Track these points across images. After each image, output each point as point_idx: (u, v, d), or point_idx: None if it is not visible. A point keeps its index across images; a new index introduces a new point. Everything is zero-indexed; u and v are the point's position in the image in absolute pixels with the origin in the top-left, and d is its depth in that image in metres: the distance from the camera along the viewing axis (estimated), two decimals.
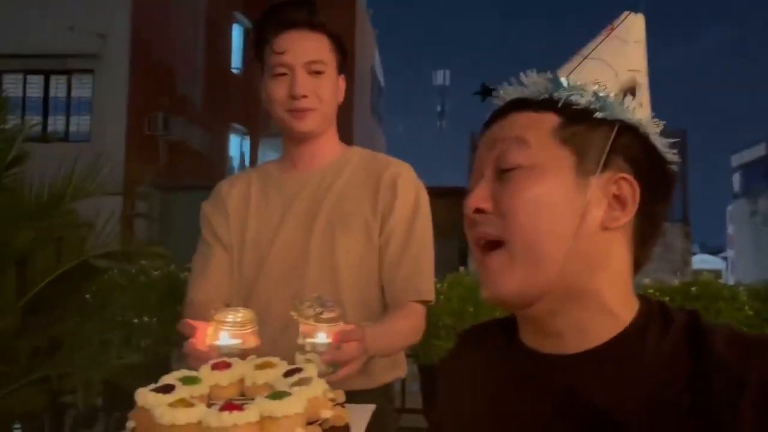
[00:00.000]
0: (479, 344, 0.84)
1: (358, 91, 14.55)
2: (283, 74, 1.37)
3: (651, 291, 3.49)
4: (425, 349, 2.50)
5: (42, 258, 2.31)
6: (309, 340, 1.06)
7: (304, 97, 1.37)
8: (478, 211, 0.72)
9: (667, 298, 3.20)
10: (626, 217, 0.70)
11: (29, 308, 2.21)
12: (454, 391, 0.84)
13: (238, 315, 1.05)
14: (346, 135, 1.49)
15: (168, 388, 0.82)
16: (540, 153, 0.71)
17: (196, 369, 0.97)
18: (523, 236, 0.70)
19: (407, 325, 1.37)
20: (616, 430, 0.66)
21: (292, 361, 1.05)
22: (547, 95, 0.73)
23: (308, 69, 1.37)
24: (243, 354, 1.01)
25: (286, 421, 0.79)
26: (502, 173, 0.72)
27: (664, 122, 0.73)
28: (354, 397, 1.06)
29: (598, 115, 0.71)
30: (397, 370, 1.46)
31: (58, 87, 11.11)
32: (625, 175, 0.70)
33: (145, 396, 0.81)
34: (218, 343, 1.03)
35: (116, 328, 2.77)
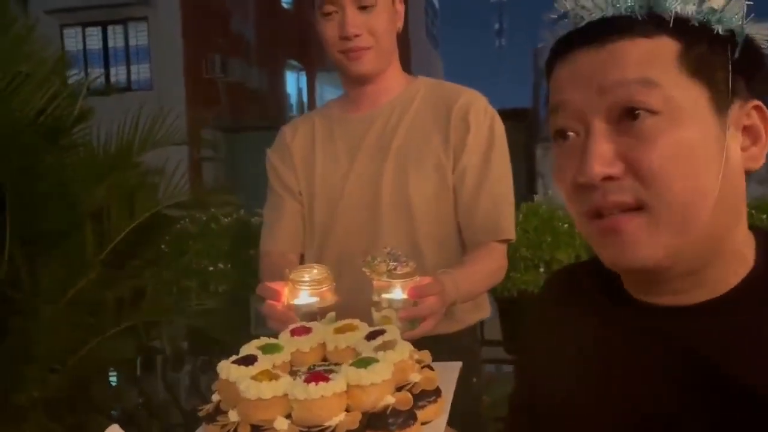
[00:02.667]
0: (572, 292, 0.76)
1: (411, 15, 14.06)
2: (333, 12, 1.28)
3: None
4: (503, 282, 2.46)
5: (116, 212, 2.34)
6: (385, 295, 1.01)
7: (357, 36, 1.27)
8: (607, 178, 0.58)
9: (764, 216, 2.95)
10: (763, 151, 0.59)
11: (109, 261, 2.27)
12: (545, 340, 0.77)
13: (313, 272, 1.01)
14: (403, 62, 1.41)
15: (250, 359, 0.79)
16: (675, 93, 0.57)
17: (276, 330, 0.94)
18: (669, 198, 0.57)
19: (488, 267, 1.30)
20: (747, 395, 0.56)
21: (368, 314, 1.01)
22: (645, 10, 0.58)
23: (358, 4, 1.27)
24: (322, 312, 0.99)
25: (374, 389, 0.75)
26: (626, 123, 0.58)
27: None
28: (438, 340, 1.04)
29: (719, 29, 0.58)
30: (480, 312, 1.42)
31: (116, 37, 11.28)
32: (755, 101, 0.59)
33: (228, 369, 0.78)
34: (296, 302, 1.00)
35: (193, 276, 2.84)
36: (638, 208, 0.59)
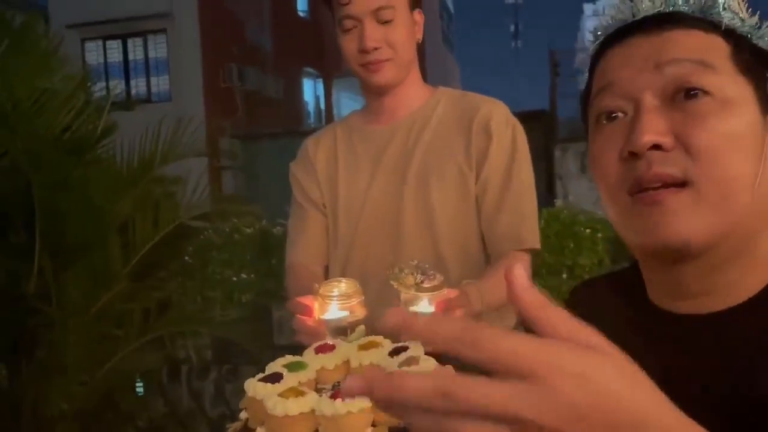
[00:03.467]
0: (594, 303, 0.75)
1: (427, 20, 14.04)
2: (352, 28, 1.28)
3: None
4: None
5: (141, 224, 2.38)
6: (412, 308, 1.01)
7: (376, 49, 1.27)
8: (656, 147, 0.58)
9: None
10: None
11: (135, 273, 2.31)
12: None
13: (342, 286, 1.02)
14: (420, 69, 1.40)
15: (276, 377, 0.80)
16: (727, 82, 0.59)
17: (308, 344, 0.95)
18: (716, 175, 0.58)
19: None
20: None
21: None
22: (700, 14, 0.61)
23: (377, 18, 1.27)
24: (351, 326, 0.99)
25: None
26: (681, 101, 0.59)
27: None
28: None
29: (761, 43, 0.61)
30: (505, 321, 1.40)
31: (135, 50, 11.44)
32: None
33: (254, 386, 0.79)
34: (326, 316, 1.01)
35: (217, 286, 2.87)
36: (683, 184, 0.58)
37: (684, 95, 0.59)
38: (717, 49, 0.60)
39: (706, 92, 0.58)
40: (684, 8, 0.62)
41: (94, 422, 2.27)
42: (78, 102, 2.33)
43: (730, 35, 0.61)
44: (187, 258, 2.63)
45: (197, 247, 2.77)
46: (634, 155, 0.59)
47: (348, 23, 1.28)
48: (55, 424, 2.12)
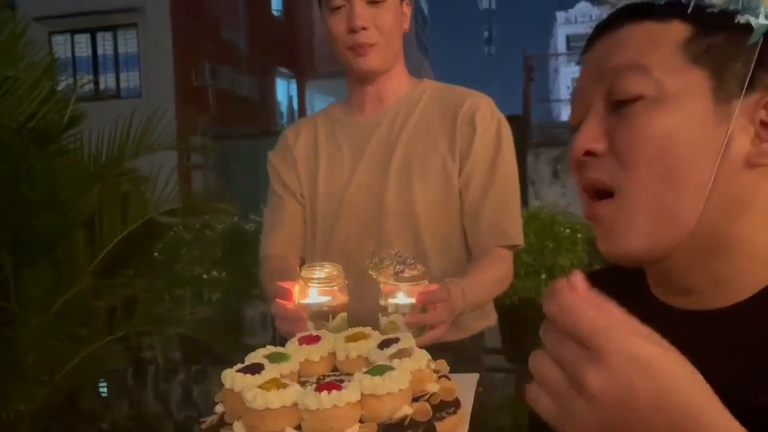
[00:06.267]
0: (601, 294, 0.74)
1: None
2: (341, 6, 1.25)
3: None
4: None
5: (108, 219, 2.29)
6: (392, 300, 0.98)
7: (364, 29, 1.25)
8: (589, 153, 0.59)
9: None
10: None
11: (101, 270, 2.22)
12: None
13: (324, 270, 0.97)
14: None
15: (256, 368, 0.75)
16: (666, 78, 0.56)
17: (287, 331, 0.91)
18: (647, 184, 0.56)
19: (495, 275, 1.27)
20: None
21: (373, 320, 0.97)
22: None
23: None
24: (333, 311, 0.96)
25: (390, 398, 0.71)
26: (618, 107, 0.58)
27: None
28: (444, 348, 1.00)
29: (742, 19, 0.56)
30: (487, 319, 1.39)
31: (105, 44, 11.20)
32: None
33: (233, 378, 0.74)
34: (307, 301, 0.96)
35: (186, 284, 2.79)
36: (612, 193, 0.58)
37: (619, 101, 0.58)
38: (665, 39, 0.57)
39: (638, 96, 0.57)
40: None
41: (54, 424, 2.18)
42: (43, 90, 2.23)
43: (699, 17, 0.57)
44: (156, 255, 2.55)
45: (166, 243, 2.68)
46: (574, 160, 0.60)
47: (337, 1, 1.25)
48: (13, 425, 2.02)
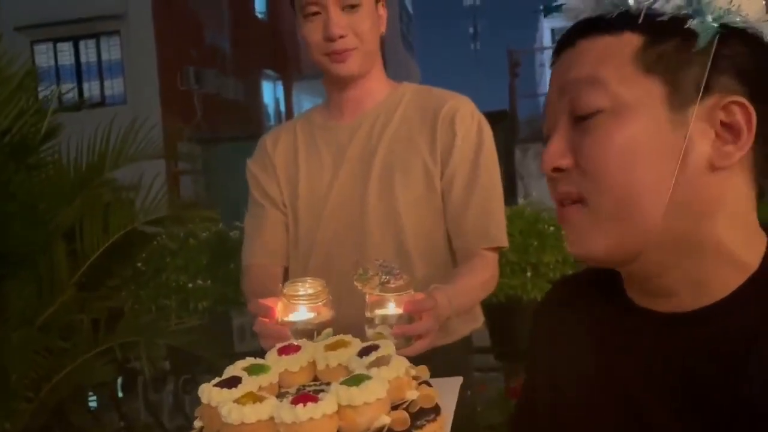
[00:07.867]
0: (572, 299, 0.75)
1: (387, 23, 14.10)
2: (316, 13, 1.23)
3: None
4: None
5: (89, 230, 2.26)
6: (378, 312, 0.96)
7: (341, 37, 1.22)
8: (557, 170, 0.61)
9: None
10: (741, 150, 0.56)
11: (84, 282, 2.19)
12: (546, 347, 0.75)
13: (308, 287, 0.95)
14: None
15: (233, 381, 0.73)
16: (621, 89, 0.57)
17: (271, 348, 0.89)
18: (611, 193, 0.58)
19: (481, 278, 1.26)
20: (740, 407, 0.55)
21: (357, 330, 0.95)
22: (623, 8, 0.58)
23: (342, 4, 1.22)
24: (319, 327, 0.93)
25: (367, 408, 0.69)
26: (580, 120, 0.59)
27: None
28: (432, 352, 1.00)
29: (692, 23, 0.56)
30: (474, 322, 1.38)
31: (88, 52, 11.12)
32: (735, 97, 0.56)
33: (209, 392, 0.72)
34: (291, 318, 0.94)
35: (172, 293, 2.77)
36: (581, 200, 0.60)
37: (580, 116, 0.60)
38: (620, 52, 0.58)
39: (596, 109, 0.58)
40: (605, 10, 0.60)
41: None
42: (19, 103, 2.20)
43: (649, 27, 0.57)
44: (139, 265, 2.52)
45: (150, 253, 2.65)
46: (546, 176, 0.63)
47: (312, 8, 1.22)
48: None
